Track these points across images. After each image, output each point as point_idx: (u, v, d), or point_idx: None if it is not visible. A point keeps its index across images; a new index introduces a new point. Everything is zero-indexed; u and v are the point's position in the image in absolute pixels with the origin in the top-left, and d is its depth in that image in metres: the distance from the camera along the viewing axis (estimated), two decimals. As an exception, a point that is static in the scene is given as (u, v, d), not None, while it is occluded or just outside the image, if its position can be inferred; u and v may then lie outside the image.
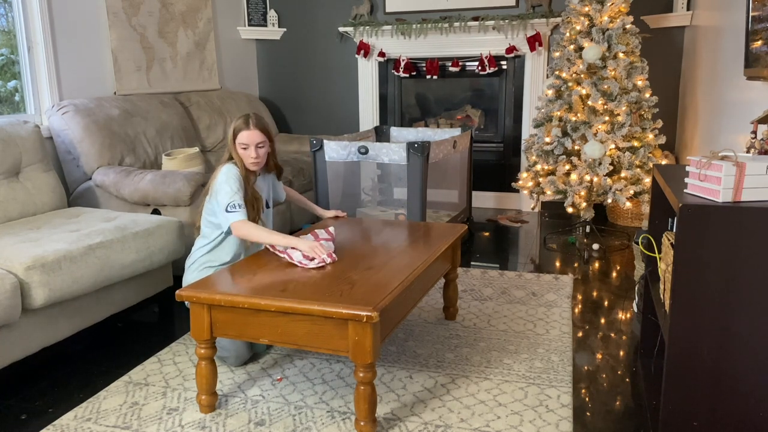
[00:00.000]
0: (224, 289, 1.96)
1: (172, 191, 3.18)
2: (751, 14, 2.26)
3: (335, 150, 3.51)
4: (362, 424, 1.88)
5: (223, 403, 2.16)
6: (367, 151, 3.47)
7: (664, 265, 1.99)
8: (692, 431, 1.76)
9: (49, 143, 3.41)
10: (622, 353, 2.53)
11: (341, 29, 5.15)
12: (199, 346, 2.04)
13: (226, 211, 2.34)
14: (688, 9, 4.36)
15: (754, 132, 2.01)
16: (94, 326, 2.67)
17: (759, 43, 2.24)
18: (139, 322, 2.94)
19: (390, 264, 2.18)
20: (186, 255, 3.08)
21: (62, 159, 3.47)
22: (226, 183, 2.38)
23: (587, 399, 2.18)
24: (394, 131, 4.49)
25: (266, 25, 5.36)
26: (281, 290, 1.89)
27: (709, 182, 1.69)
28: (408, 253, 2.34)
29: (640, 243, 2.36)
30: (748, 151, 1.98)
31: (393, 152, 3.41)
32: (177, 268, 3.14)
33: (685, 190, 1.80)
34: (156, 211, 3.26)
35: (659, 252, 2.20)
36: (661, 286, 2.07)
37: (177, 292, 2.02)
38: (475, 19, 4.76)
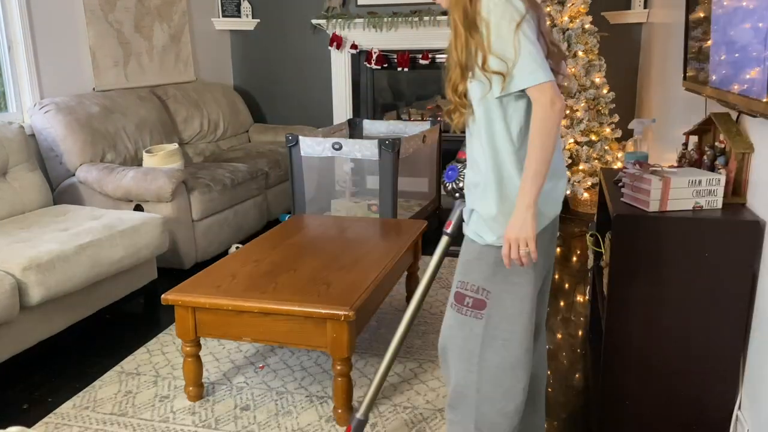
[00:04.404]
0: (208, 293, 2.13)
1: (154, 188, 3.33)
2: (690, 33, 2.48)
3: (310, 146, 3.69)
4: (339, 411, 2.10)
5: (210, 390, 2.36)
6: (341, 147, 3.66)
7: (605, 263, 2.23)
8: (625, 408, 2.02)
9: (31, 140, 3.52)
10: (574, 337, 2.80)
11: (314, 21, 5.27)
12: (185, 345, 2.22)
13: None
14: (645, 7, 4.59)
15: (685, 143, 2.25)
16: (85, 319, 2.84)
17: (692, 64, 2.45)
18: (126, 314, 3.12)
19: (361, 263, 2.39)
20: (169, 249, 3.25)
21: (45, 156, 3.58)
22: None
23: (539, 380, 2.44)
24: (367, 123, 4.67)
25: (240, 16, 5.45)
26: (262, 292, 2.09)
27: (641, 193, 1.93)
28: (376, 251, 2.55)
29: (588, 239, 2.61)
30: (679, 161, 2.22)
31: (365, 148, 3.60)
32: (160, 261, 3.31)
33: (621, 199, 2.03)
34: (138, 207, 3.41)
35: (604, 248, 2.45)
36: (604, 280, 2.32)
37: (162, 296, 2.16)
38: (444, 13, 4.90)
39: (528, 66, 1.35)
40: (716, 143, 2.06)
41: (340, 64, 5.37)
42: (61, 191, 3.58)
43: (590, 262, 3.47)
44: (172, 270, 3.43)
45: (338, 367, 2.02)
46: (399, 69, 5.20)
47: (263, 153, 4.59)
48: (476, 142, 1.50)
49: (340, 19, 5.16)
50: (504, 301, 1.50)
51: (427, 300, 3.15)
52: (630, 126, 3.11)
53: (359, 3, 5.21)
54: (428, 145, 4.27)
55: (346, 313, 1.93)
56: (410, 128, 4.48)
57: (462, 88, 1.47)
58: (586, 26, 4.00)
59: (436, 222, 4.48)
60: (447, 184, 1.76)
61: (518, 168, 1.43)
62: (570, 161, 3.96)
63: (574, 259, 3.80)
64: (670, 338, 1.93)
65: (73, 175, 3.56)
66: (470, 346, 1.52)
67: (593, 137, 4.03)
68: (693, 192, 1.88)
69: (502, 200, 1.46)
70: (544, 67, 1.36)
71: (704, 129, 2.21)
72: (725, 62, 2.00)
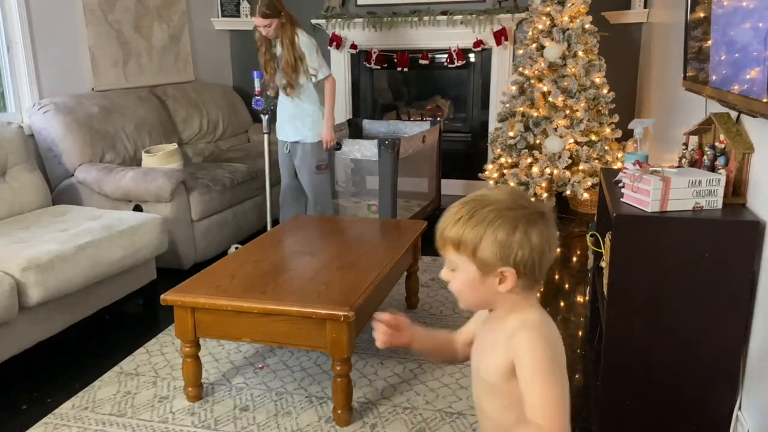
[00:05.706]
0: (207, 293, 2.13)
1: (153, 188, 3.33)
2: (690, 33, 2.47)
3: (310, 146, 3.68)
4: (339, 412, 2.09)
5: (209, 391, 2.36)
6: (340, 147, 3.66)
7: (605, 263, 2.23)
8: (625, 409, 2.02)
9: (30, 140, 3.52)
10: (574, 337, 2.79)
11: (314, 21, 5.27)
12: (184, 345, 2.22)
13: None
14: (645, 7, 4.58)
15: (686, 144, 2.24)
16: (84, 320, 2.84)
17: (692, 64, 2.45)
18: (125, 315, 3.11)
19: (360, 263, 2.38)
20: (168, 249, 3.25)
21: (44, 156, 3.58)
22: None
23: (539, 381, 2.43)
24: (367, 124, 4.67)
25: (239, 16, 5.44)
26: (261, 292, 2.09)
27: (641, 194, 1.92)
28: (376, 251, 2.55)
29: (588, 239, 2.61)
30: (679, 161, 2.22)
31: (365, 148, 3.60)
32: (159, 262, 3.31)
33: (621, 199, 2.03)
34: (138, 207, 3.41)
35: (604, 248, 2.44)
36: (604, 281, 2.31)
37: (162, 296, 2.15)
38: (444, 13, 4.92)
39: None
40: (716, 143, 2.05)
41: (340, 64, 5.36)
42: (60, 191, 3.57)
43: (590, 263, 3.46)
44: (171, 270, 3.43)
45: (338, 368, 2.02)
46: (399, 69, 5.20)
47: (263, 153, 4.57)
48: (305, 100, 3.58)
49: (339, 19, 5.15)
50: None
51: (427, 300, 3.15)
52: (630, 126, 3.11)
53: (359, 3, 5.21)
54: (428, 145, 4.27)
55: (346, 313, 1.92)
56: (410, 128, 4.48)
57: (295, 77, 3.47)
58: (586, 26, 4.00)
59: (436, 222, 4.47)
60: (257, 108, 3.64)
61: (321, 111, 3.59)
62: (570, 161, 3.96)
63: (574, 259, 3.80)
64: (670, 338, 1.92)
65: (72, 175, 3.55)
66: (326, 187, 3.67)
67: (593, 137, 4.02)
68: (693, 192, 1.88)
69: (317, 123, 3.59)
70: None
71: (704, 129, 2.21)
72: (725, 62, 1.99)
